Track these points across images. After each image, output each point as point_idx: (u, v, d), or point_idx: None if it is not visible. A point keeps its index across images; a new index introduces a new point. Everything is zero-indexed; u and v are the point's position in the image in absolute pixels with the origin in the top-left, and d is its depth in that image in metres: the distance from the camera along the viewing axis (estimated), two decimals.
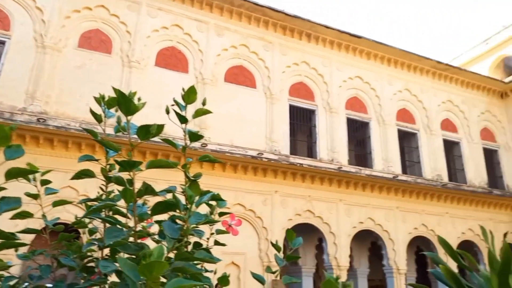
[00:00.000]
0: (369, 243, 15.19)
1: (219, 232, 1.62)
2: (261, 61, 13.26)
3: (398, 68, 15.92)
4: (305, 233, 13.78)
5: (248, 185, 11.77)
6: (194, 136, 1.40)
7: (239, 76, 12.80)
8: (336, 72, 14.50)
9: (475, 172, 16.22)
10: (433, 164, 15.33)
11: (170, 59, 11.89)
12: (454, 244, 14.64)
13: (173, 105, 1.39)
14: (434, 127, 15.90)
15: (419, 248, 15.23)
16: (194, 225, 1.26)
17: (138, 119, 1.26)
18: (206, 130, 11.42)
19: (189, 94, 1.33)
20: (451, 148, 16.44)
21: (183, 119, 1.34)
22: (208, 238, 1.48)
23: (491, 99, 17.81)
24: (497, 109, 17.80)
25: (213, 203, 1.47)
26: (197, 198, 1.30)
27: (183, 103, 1.35)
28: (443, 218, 14.74)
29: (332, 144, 13.62)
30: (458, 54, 21.71)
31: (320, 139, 13.56)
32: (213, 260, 1.25)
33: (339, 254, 12.53)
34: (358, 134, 14.82)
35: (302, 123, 13.80)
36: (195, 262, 1.18)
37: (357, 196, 13.43)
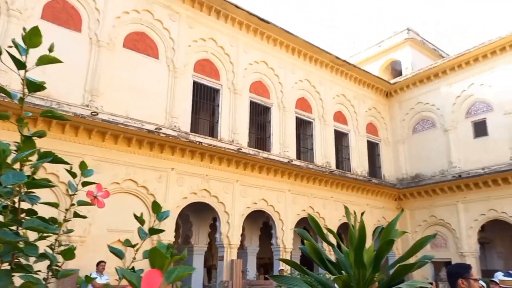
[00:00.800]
0: (261, 223, 15.84)
1: (80, 203, 1.39)
2: (166, 31, 12.60)
3: (301, 58, 16.61)
4: (201, 212, 13.78)
5: (142, 161, 11.22)
6: (34, 86, 1.15)
7: (140, 43, 12.00)
8: (243, 54, 14.53)
9: (359, 162, 17.92)
10: (324, 152, 16.49)
11: (60, 13, 10.56)
12: (336, 225, 16.09)
13: (10, 46, 1.13)
14: (327, 117, 17.05)
15: (306, 228, 16.38)
16: (11, 185, 1.03)
17: None
18: (98, 98, 10.51)
19: (32, 36, 1.08)
20: (340, 138, 17.87)
21: (21, 65, 1.09)
22: (67, 209, 1.27)
23: (378, 97, 19.73)
24: (382, 106, 19.82)
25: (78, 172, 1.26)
26: (34, 159, 1.08)
27: (24, 46, 1.10)
28: (328, 201, 16.03)
29: (234, 125, 13.71)
30: (356, 52, 23.55)
31: (222, 119, 13.53)
32: (49, 230, 1.06)
33: (231, 233, 12.79)
34: (260, 118, 15.17)
35: (205, 101, 13.59)
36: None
37: (253, 178, 13.80)
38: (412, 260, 1.78)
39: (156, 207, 1.33)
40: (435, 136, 17.90)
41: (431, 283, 14.11)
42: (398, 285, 1.81)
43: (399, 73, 21.70)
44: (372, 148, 19.16)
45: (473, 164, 16.20)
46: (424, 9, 51.71)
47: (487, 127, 16.16)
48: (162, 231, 1.34)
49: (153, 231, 1.31)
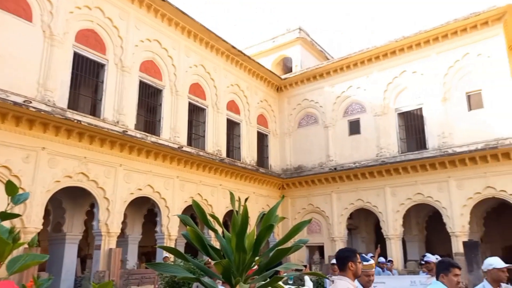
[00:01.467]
0: (145, 210, 15.16)
1: None
2: None
3: (197, 42, 16.25)
4: (76, 198, 12.54)
5: (6, 137, 9.67)
6: None
7: (10, 2, 10.25)
8: (134, 29, 13.56)
9: (248, 152, 18.41)
10: (216, 140, 16.50)
11: None
12: (223, 212, 16.30)
13: None
14: (221, 106, 17.08)
15: (193, 215, 16.21)
16: None
17: None
18: None
19: None
20: (232, 127, 18.09)
21: None
22: None
23: (269, 90, 20.49)
24: (272, 100, 20.65)
25: None
26: None
27: None
28: (216, 189, 16.12)
29: (120, 105, 12.74)
30: (252, 44, 24.02)
31: (107, 97, 12.45)
32: None
33: (111, 220, 11.93)
34: (150, 100, 14.41)
35: (88, 76, 12.32)
36: None
37: (139, 163, 13.08)
38: (289, 244, 1.85)
39: (10, 188, 1.08)
40: (317, 131, 19.37)
41: (305, 266, 15.33)
42: (275, 267, 1.88)
43: (289, 70, 22.87)
44: (262, 139, 19.87)
45: (346, 158, 17.98)
46: (317, 9, 55.51)
47: (360, 126, 18.08)
48: (16, 215, 1.09)
49: (5, 216, 1.07)
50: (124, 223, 13.09)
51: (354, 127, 18.29)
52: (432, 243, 18.26)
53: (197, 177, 15.28)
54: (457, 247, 13.91)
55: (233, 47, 17.47)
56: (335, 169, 18.10)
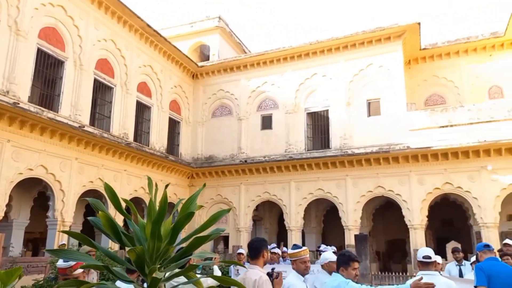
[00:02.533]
0: (35, 193, 13.64)
1: None
2: None
3: (108, 15, 15.04)
4: None
5: None
6: None
7: None
8: None
9: (158, 137, 17.69)
10: (123, 122, 15.50)
11: None
12: (127, 199, 15.35)
13: None
14: (131, 86, 16.09)
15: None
16: None
17: None
18: None
19: None
20: (142, 111, 17.18)
21: None
22: None
23: (184, 76, 19.92)
24: (187, 86, 20.12)
25: None
26: None
27: None
28: (120, 174, 15.18)
29: (11, 72, 11.19)
30: (169, 26, 23.04)
31: None
32: None
33: None
34: (49, 71, 12.92)
35: None
36: None
37: (31, 140, 11.68)
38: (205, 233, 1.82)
39: None
40: (230, 123, 19.43)
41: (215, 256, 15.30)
42: (188, 256, 1.90)
43: (206, 58, 22.51)
44: (173, 126, 19.26)
45: (257, 152, 18.38)
46: (239, 0, 55.55)
47: (272, 122, 18.61)
48: None
49: None
50: (8, 206, 11.60)
51: (267, 122, 18.76)
52: (327, 234, 19.70)
53: (99, 160, 14.20)
54: (350, 239, 15.18)
55: (149, 25, 16.54)
56: (245, 161, 18.38)
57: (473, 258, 5.96)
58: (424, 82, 18.05)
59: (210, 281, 3.60)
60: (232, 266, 8.57)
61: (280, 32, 55.14)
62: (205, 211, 18.61)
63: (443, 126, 15.07)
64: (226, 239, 18.67)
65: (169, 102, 18.67)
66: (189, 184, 19.50)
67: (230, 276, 5.74)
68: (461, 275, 6.75)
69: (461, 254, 7.27)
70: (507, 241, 6.33)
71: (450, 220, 18.87)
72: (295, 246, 3.89)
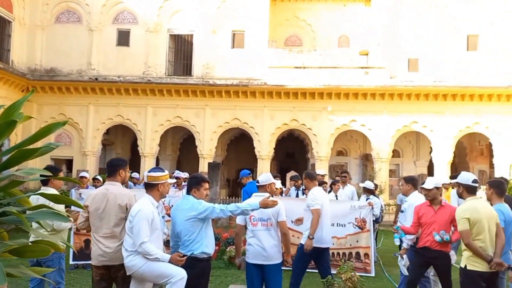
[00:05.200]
0: None
1: None
2: None
3: None
4: None
5: None
6: None
7: None
8: None
9: None
10: None
11: None
12: None
13: None
14: None
15: None
16: None
17: None
18: None
19: None
20: None
21: None
22: None
23: None
24: None
25: None
26: None
27: None
28: None
29: None
30: None
31: None
32: None
33: None
34: None
35: None
36: None
37: None
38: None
39: None
40: (79, 32, 16.86)
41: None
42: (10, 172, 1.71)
43: None
44: (2, 26, 15.62)
45: (110, 70, 16.62)
46: None
47: (130, 39, 16.84)
48: None
49: None
50: None
51: (123, 38, 16.91)
52: (182, 162, 20.02)
53: None
54: (203, 167, 15.74)
55: None
56: (96, 79, 16.53)
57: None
58: (286, 22, 18.70)
59: (41, 200, 3.02)
60: (73, 190, 8.14)
61: None
62: None
63: (297, 67, 16.23)
64: (70, 162, 17.14)
65: None
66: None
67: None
68: (297, 195, 8.14)
69: (299, 182, 8.34)
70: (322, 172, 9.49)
71: (293, 153, 21.36)
72: (159, 169, 3.65)
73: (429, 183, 4.41)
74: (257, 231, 4.02)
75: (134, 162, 16.77)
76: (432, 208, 4.40)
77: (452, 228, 4.32)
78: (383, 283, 6.42)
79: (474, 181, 3.91)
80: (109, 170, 3.68)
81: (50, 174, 1.96)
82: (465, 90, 15.66)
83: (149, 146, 16.71)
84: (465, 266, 3.73)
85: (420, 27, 16.36)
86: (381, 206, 7.46)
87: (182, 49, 17.25)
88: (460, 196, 4.13)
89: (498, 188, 4.15)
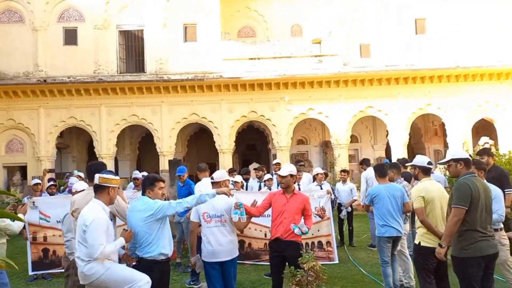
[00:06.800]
0: None
1: None
2: None
3: None
4: None
5: None
6: None
7: None
8: None
9: None
10: None
11: None
12: None
13: None
14: None
15: None
16: None
17: None
18: None
19: None
20: None
21: None
22: None
23: None
24: None
25: None
26: None
27: None
28: None
29: None
30: None
31: None
32: None
33: None
34: None
35: None
36: None
37: None
38: None
39: None
40: (23, 33, 16.06)
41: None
42: None
43: None
44: None
45: (59, 70, 15.96)
46: None
47: (78, 37, 16.20)
48: None
49: None
50: None
51: (71, 37, 16.26)
52: (143, 161, 19.65)
53: None
54: (164, 164, 15.51)
55: None
56: (44, 81, 15.85)
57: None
58: (238, 13, 18.44)
59: None
60: (25, 198, 7.75)
61: None
62: None
63: (252, 58, 16.14)
64: (24, 169, 16.48)
65: None
66: None
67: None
68: (260, 188, 7.90)
69: (261, 173, 8.30)
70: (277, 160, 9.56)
71: (254, 144, 21.37)
72: (110, 172, 3.54)
73: (284, 170, 4.22)
74: (212, 228, 3.99)
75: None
76: (285, 196, 4.21)
77: (303, 219, 4.18)
78: (347, 267, 6.48)
79: (429, 163, 4.15)
80: (89, 175, 3.70)
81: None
82: (416, 72, 16.08)
83: (106, 147, 16.26)
84: (419, 242, 3.90)
85: (370, 12, 16.61)
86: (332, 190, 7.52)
87: (133, 45, 16.77)
88: (416, 177, 4.37)
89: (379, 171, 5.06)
